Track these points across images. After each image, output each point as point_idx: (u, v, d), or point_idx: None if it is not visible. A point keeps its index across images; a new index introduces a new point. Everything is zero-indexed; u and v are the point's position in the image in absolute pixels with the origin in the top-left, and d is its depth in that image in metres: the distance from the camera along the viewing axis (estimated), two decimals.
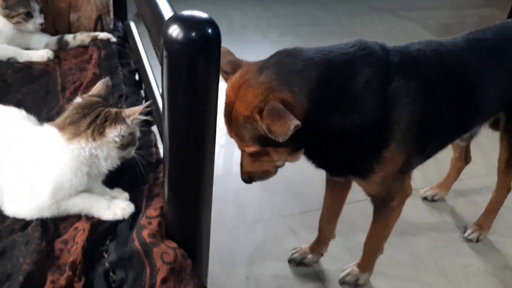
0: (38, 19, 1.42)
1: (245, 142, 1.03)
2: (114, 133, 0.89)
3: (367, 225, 1.37)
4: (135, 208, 0.93)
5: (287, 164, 2.28)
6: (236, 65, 1.05)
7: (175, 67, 0.70)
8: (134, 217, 0.91)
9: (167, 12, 0.81)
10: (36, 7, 1.41)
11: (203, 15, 0.72)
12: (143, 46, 1.41)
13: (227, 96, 1.03)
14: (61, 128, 0.90)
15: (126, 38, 1.57)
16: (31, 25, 1.42)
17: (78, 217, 0.90)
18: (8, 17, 1.40)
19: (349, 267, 1.48)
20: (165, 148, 0.80)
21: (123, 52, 1.46)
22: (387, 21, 3.65)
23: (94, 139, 0.88)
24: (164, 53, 0.70)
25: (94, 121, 0.89)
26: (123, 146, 0.91)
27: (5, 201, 0.89)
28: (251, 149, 1.05)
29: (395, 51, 1.09)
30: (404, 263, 1.59)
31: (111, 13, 1.59)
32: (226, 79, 1.05)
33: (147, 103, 0.96)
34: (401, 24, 3.63)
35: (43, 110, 1.17)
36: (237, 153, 2.15)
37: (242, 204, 1.83)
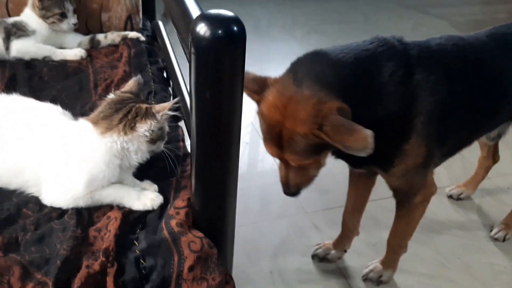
0: (72, 20, 1.48)
1: (300, 158, 1.01)
2: (144, 128, 0.93)
3: (391, 222, 1.37)
4: (164, 199, 0.97)
5: None
6: (262, 82, 1.02)
7: (202, 63, 0.74)
8: (162, 207, 0.95)
9: (194, 11, 0.84)
10: (70, 8, 1.47)
11: (228, 13, 0.75)
12: (171, 45, 1.45)
13: (270, 117, 1.00)
14: (95, 122, 0.95)
15: (154, 37, 1.62)
16: (65, 25, 1.47)
17: (110, 207, 0.95)
18: (44, 17, 1.46)
19: (372, 263, 1.49)
20: (192, 141, 0.84)
21: (152, 50, 1.51)
22: (414, 18, 3.60)
23: (125, 133, 0.93)
24: (192, 50, 0.73)
25: (125, 116, 0.94)
26: (152, 140, 0.95)
27: (43, 191, 0.94)
28: (306, 162, 1.03)
29: (414, 45, 1.10)
30: (429, 260, 1.59)
31: (140, 13, 1.64)
32: (256, 99, 1.03)
33: (176, 99, 1.00)
34: (429, 21, 3.58)
35: (77, 106, 1.23)
36: (262, 149, 2.19)
37: (266, 200, 1.86)
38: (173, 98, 1.35)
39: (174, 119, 1.24)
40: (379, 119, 1.04)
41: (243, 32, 0.74)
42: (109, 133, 0.93)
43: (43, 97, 1.21)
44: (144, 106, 0.95)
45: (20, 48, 1.42)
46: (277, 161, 1.11)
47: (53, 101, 1.19)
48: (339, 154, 1.17)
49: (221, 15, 0.74)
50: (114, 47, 1.54)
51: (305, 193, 1.89)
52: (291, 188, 1.11)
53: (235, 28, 0.73)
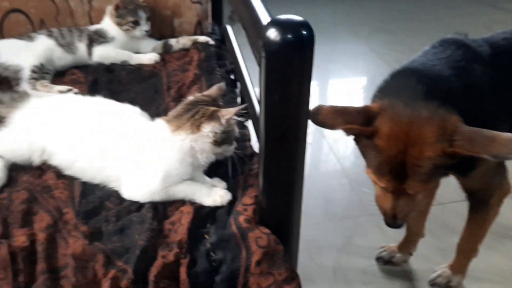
0: (144, 27, 1.56)
1: (423, 185, 0.97)
2: (208, 129, 0.97)
3: (460, 227, 1.33)
4: (232, 196, 1.01)
5: None
6: (366, 113, 0.97)
7: (273, 67, 0.77)
8: (231, 204, 1.00)
9: (264, 16, 0.88)
10: (143, 15, 1.56)
11: (298, 18, 0.78)
12: (239, 48, 1.50)
13: (390, 148, 0.94)
14: (168, 121, 1.02)
15: (222, 40, 1.68)
16: (138, 32, 1.56)
17: (183, 202, 1.01)
18: (119, 25, 1.56)
19: (440, 268, 1.45)
20: (260, 142, 0.88)
21: (220, 53, 1.57)
22: (488, 14, 3.43)
23: (192, 132, 0.98)
24: (263, 54, 0.77)
25: (193, 116, 0.99)
26: (216, 143, 0.99)
27: (123, 186, 1.02)
28: (428, 187, 1.00)
29: (483, 42, 1.09)
30: (500, 267, 1.52)
31: (210, 18, 1.71)
32: (369, 132, 0.96)
33: (242, 106, 1.03)
34: (503, 17, 3.40)
35: (152, 107, 1.30)
36: (325, 150, 2.19)
37: (330, 201, 1.87)
38: (240, 100, 1.41)
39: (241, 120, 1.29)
40: (476, 123, 0.99)
41: (312, 36, 0.76)
42: (179, 131, 0.99)
43: (121, 99, 1.29)
44: (211, 108, 1.00)
45: (101, 53, 1.53)
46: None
47: (131, 102, 1.27)
48: None
49: (291, 20, 0.77)
50: (185, 51, 1.61)
51: (369, 194, 1.88)
52: (399, 220, 1.05)
53: (304, 32, 0.76)
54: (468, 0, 3.67)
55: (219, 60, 1.52)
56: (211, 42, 1.62)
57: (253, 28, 0.90)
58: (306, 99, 0.81)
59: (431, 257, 1.56)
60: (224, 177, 1.07)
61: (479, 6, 3.59)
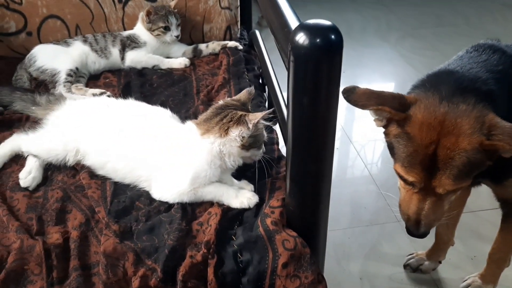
0: (174, 32, 1.60)
1: (455, 182, 0.92)
2: (235, 133, 0.99)
3: (492, 235, 1.31)
4: (259, 199, 1.02)
5: None
6: (401, 100, 0.95)
7: (301, 70, 0.78)
8: (258, 206, 1.01)
9: (293, 21, 0.89)
10: (173, 21, 1.59)
11: (326, 22, 0.78)
12: (267, 53, 1.52)
13: (422, 137, 0.91)
14: (198, 124, 1.04)
15: (251, 45, 1.70)
16: (168, 37, 1.60)
17: (211, 203, 1.02)
18: (150, 30, 1.60)
19: (470, 277, 1.43)
20: (288, 145, 0.88)
21: (249, 58, 1.59)
22: None
23: (220, 136, 1.00)
24: (291, 58, 0.78)
25: (222, 119, 1.01)
26: (244, 147, 1.00)
27: (153, 186, 1.05)
28: (459, 186, 0.94)
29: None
30: None
31: (238, 24, 1.73)
32: (400, 117, 0.93)
33: (270, 110, 1.04)
34: None
35: (182, 110, 1.33)
36: (352, 155, 2.17)
37: (357, 206, 1.85)
38: (268, 104, 1.42)
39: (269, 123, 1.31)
40: None
41: (340, 41, 0.77)
42: (207, 134, 1.01)
43: (153, 102, 1.33)
44: (240, 113, 1.01)
45: (134, 58, 1.57)
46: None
47: (162, 105, 1.30)
48: None
49: (319, 24, 0.78)
50: (214, 55, 1.64)
51: (397, 201, 1.87)
52: (423, 227, 0.99)
53: (332, 36, 0.76)
54: (501, 5, 3.59)
55: (247, 65, 1.54)
56: (240, 47, 1.64)
57: (281, 33, 0.91)
58: (334, 103, 0.81)
59: (461, 265, 1.53)
60: (251, 180, 1.08)
61: None
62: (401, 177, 0.99)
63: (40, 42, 1.60)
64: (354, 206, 1.86)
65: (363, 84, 0.99)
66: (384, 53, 3.03)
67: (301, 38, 0.76)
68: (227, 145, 1.00)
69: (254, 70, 1.52)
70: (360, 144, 2.21)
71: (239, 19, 1.72)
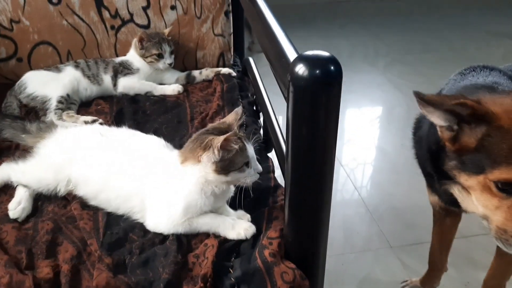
0: (168, 60, 1.59)
1: None
2: (205, 158, 0.96)
3: (485, 261, 1.30)
4: (256, 229, 1.00)
5: (397, 192, 2.23)
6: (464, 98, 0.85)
7: (300, 101, 0.77)
8: (255, 237, 0.99)
9: (290, 51, 0.89)
10: (167, 49, 1.58)
11: (325, 54, 0.79)
12: (261, 80, 1.52)
13: None
14: (180, 152, 1.03)
15: (244, 72, 1.71)
16: (161, 64, 1.59)
17: (207, 234, 1.00)
18: (143, 57, 1.59)
19: None
20: (286, 175, 0.87)
21: (243, 85, 1.59)
22: (506, 46, 3.43)
23: (195, 163, 0.97)
24: (291, 89, 0.78)
25: (194, 145, 0.98)
26: (219, 171, 0.96)
27: (147, 217, 1.02)
28: None
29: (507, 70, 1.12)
30: None
31: (232, 50, 1.74)
32: (482, 112, 0.82)
33: (233, 131, 0.97)
34: None
35: (176, 138, 1.32)
36: (342, 179, 2.17)
37: (350, 232, 1.84)
38: (263, 131, 1.41)
39: (264, 150, 1.30)
40: None
41: (339, 72, 0.77)
42: (186, 162, 0.99)
43: (146, 130, 1.32)
44: (209, 137, 0.97)
45: (126, 84, 1.56)
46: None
47: (155, 133, 1.29)
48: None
49: (318, 56, 0.78)
50: (208, 82, 1.64)
51: (390, 226, 1.87)
52: None
53: (332, 68, 0.76)
54: (485, 32, 3.68)
55: (241, 92, 1.54)
56: (234, 73, 1.64)
57: (279, 63, 0.91)
58: (333, 133, 0.81)
59: None
60: (248, 209, 1.06)
61: (496, 38, 3.59)
62: (505, 181, 0.83)
63: (31, 68, 1.59)
64: (346, 231, 1.85)
65: (352, 109, 0.98)
66: (373, 79, 3.08)
67: (301, 69, 0.75)
68: (203, 172, 0.97)
69: (248, 97, 1.52)
70: (349, 168, 2.22)
71: (232, 45, 1.73)
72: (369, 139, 2.48)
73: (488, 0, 4.45)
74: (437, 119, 0.87)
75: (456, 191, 0.97)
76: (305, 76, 0.75)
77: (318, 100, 0.77)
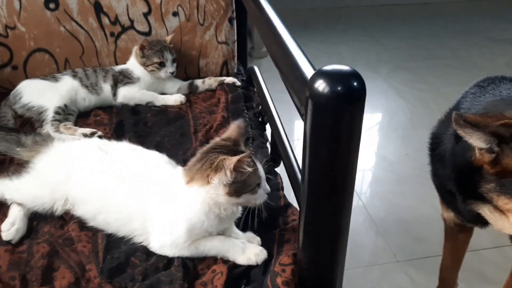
0: (170, 69, 1.52)
1: None
2: (216, 181, 0.89)
3: (495, 275, 1.26)
4: (267, 254, 0.94)
5: (403, 204, 2.18)
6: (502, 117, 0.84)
7: (321, 119, 0.71)
8: (266, 262, 0.93)
9: (306, 66, 0.83)
10: (169, 57, 1.52)
11: (347, 68, 0.73)
12: (267, 90, 1.46)
13: None
14: (185, 170, 0.95)
15: (248, 81, 1.64)
16: (163, 73, 1.52)
17: (214, 259, 0.94)
18: (144, 65, 1.52)
19: None
20: (302, 196, 0.81)
21: (248, 95, 1.53)
22: (509, 53, 3.39)
23: (203, 184, 0.90)
24: (309, 106, 0.71)
25: (203, 166, 0.91)
26: (231, 194, 0.89)
27: (151, 239, 0.96)
28: None
29: None
30: None
31: (235, 58, 1.68)
32: None
33: (247, 153, 0.91)
34: None
35: (179, 152, 1.26)
36: None
37: (355, 245, 1.78)
38: (270, 144, 1.35)
39: (272, 166, 1.23)
40: None
41: (363, 88, 0.71)
42: (191, 182, 0.92)
43: (148, 143, 1.26)
44: (220, 157, 0.90)
45: (126, 94, 1.49)
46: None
47: (157, 146, 1.23)
48: None
49: (340, 70, 0.72)
50: (211, 92, 1.58)
51: (396, 240, 1.82)
52: None
53: (355, 83, 0.70)
54: (489, 40, 3.64)
55: (246, 102, 1.47)
56: (238, 83, 1.58)
57: (293, 77, 0.85)
58: (355, 153, 0.75)
59: None
60: (257, 231, 1.00)
61: (500, 45, 3.55)
62: None
63: (27, 77, 1.52)
64: (351, 244, 1.77)
65: None
66: (376, 86, 3.02)
67: (321, 85, 0.69)
68: (214, 194, 0.90)
69: (253, 108, 1.46)
70: (356, 183, 2.16)
71: (236, 53, 1.67)
72: (373, 148, 2.42)
73: (490, 6, 4.41)
74: (477, 141, 0.83)
75: (486, 211, 0.93)
76: (325, 92, 0.69)
77: (340, 119, 0.70)
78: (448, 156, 1.02)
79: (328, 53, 3.34)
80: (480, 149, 0.84)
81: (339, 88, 0.69)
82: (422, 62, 3.30)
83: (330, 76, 0.70)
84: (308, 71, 0.82)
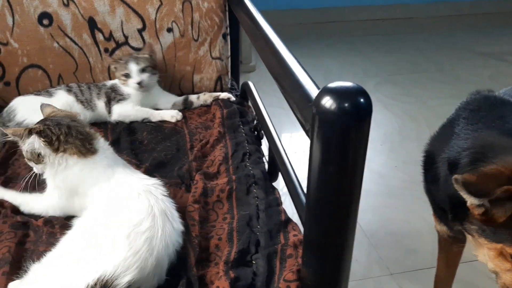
0: (135, 79, 1.47)
1: None
2: None
3: (487, 286, 1.26)
4: (269, 269, 0.93)
5: (394, 217, 2.19)
6: (504, 175, 0.86)
7: (328, 136, 0.72)
8: (268, 277, 0.92)
9: (307, 82, 0.84)
10: (133, 68, 1.47)
11: (353, 85, 0.74)
12: (263, 105, 1.46)
13: None
14: None
15: (243, 96, 1.65)
16: (130, 84, 1.48)
17: (216, 275, 0.93)
18: (118, 78, 1.51)
19: None
20: (307, 213, 0.81)
21: (243, 110, 1.53)
22: (492, 67, 3.47)
23: None
24: (316, 123, 0.72)
25: None
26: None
27: None
28: None
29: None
30: None
31: (229, 74, 1.69)
32: None
33: None
34: (508, 69, 3.44)
35: (175, 168, 1.25)
36: None
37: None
38: (268, 158, 1.35)
39: (270, 181, 1.23)
40: None
41: (369, 105, 0.72)
42: None
43: (144, 160, 1.25)
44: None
45: (121, 112, 1.48)
46: None
47: (154, 162, 1.22)
48: None
49: (346, 87, 0.73)
50: (206, 107, 1.57)
51: (389, 252, 1.82)
52: None
53: (361, 100, 0.71)
54: (472, 53, 3.73)
55: (242, 117, 1.47)
56: (233, 98, 1.58)
57: (297, 93, 0.85)
58: (361, 170, 0.75)
59: None
60: (259, 246, 1.00)
61: (483, 58, 3.64)
62: None
63: (19, 93, 1.50)
64: None
65: None
66: None
67: (328, 102, 0.70)
68: None
69: (248, 123, 1.46)
70: None
71: (229, 69, 1.68)
72: None
73: (472, 21, 4.53)
74: (472, 201, 0.87)
75: (469, 237, 0.99)
76: (333, 109, 0.70)
77: (347, 135, 0.71)
78: (442, 181, 1.05)
79: (315, 66, 3.38)
80: (473, 204, 0.88)
81: (346, 105, 0.70)
82: (408, 76, 3.35)
83: (337, 93, 0.71)
84: (311, 87, 0.83)
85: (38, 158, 1.02)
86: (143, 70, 1.48)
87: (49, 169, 1.03)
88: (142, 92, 1.51)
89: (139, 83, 1.48)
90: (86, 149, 1.03)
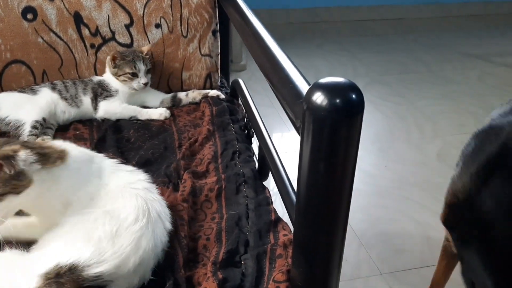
0: (142, 79, 1.46)
1: None
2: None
3: None
4: (258, 269, 0.91)
5: (384, 216, 2.18)
6: None
7: (319, 133, 0.70)
8: (257, 278, 0.90)
9: (298, 78, 0.82)
10: (142, 68, 1.46)
11: (345, 81, 0.72)
12: (253, 103, 1.44)
13: None
14: None
15: (232, 94, 1.63)
16: (135, 84, 1.46)
17: (204, 277, 0.91)
18: (116, 75, 1.47)
19: None
20: (297, 212, 0.79)
21: (232, 108, 1.50)
22: (480, 68, 3.50)
23: None
24: (307, 119, 0.70)
25: None
26: None
27: None
28: None
29: None
30: None
31: (219, 71, 1.66)
32: None
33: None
34: (495, 70, 3.47)
35: (162, 166, 1.22)
36: None
37: None
38: (258, 157, 1.33)
39: (260, 180, 1.21)
40: None
41: (361, 101, 0.70)
42: None
43: (131, 159, 1.22)
44: None
45: (108, 109, 1.45)
46: None
47: (140, 159, 1.19)
48: None
49: (338, 83, 0.71)
50: (195, 105, 1.55)
51: (379, 252, 1.82)
52: None
53: (353, 96, 0.69)
54: (460, 54, 3.76)
55: (231, 115, 1.45)
56: (222, 96, 1.55)
57: (286, 89, 0.84)
58: (352, 169, 0.74)
59: None
60: (248, 246, 0.98)
61: (471, 59, 3.66)
62: None
63: (2, 89, 1.46)
64: None
65: None
66: None
67: (319, 98, 0.68)
68: None
69: (238, 121, 1.43)
70: None
71: (219, 66, 1.65)
72: None
73: (460, 22, 4.56)
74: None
75: None
76: (324, 105, 0.68)
77: (339, 132, 0.69)
78: None
79: (305, 66, 3.37)
80: None
81: (338, 101, 0.68)
82: (397, 76, 3.36)
83: (328, 89, 0.69)
84: (301, 83, 0.81)
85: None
86: (148, 71, 1.48)
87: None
88: (134, 91, 1.48)
89: (145, 84, 1.47)
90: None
